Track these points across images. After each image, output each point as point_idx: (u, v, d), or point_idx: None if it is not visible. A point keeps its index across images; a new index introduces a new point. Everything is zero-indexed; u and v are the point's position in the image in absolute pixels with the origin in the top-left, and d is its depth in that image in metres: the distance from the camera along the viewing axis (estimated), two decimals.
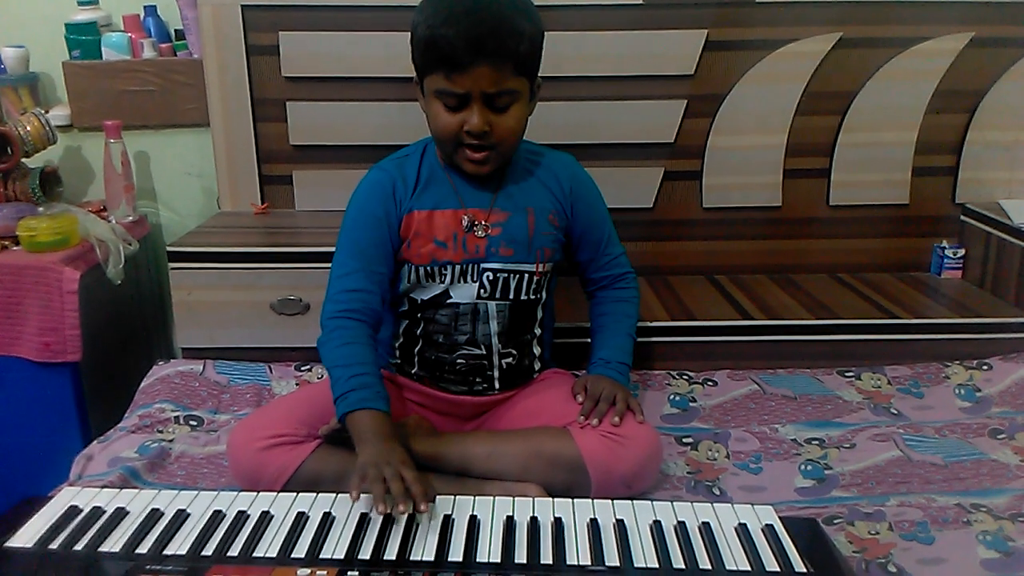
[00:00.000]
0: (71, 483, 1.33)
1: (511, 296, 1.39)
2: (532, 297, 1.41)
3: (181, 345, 1.78)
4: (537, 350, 1.46)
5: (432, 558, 1.00)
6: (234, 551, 1.02)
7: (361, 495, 1.08)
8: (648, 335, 1.70)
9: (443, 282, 1.37)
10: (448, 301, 1.37)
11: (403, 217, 1.36)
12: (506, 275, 1.38)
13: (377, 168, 1.40)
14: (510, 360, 1.42)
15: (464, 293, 1.37)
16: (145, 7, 2.04)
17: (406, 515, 1.06)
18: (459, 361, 1.39)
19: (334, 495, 1.14)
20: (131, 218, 1.98)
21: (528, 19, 1.25)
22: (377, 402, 1.20)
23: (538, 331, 1.46)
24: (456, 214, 1.36)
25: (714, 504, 1.14)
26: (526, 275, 1.39)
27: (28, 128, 1.87)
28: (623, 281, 1.52)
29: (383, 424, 1.19)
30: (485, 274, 1.37)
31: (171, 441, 1.47)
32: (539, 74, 1.32)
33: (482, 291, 1.37)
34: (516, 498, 1.14)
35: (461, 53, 1.20)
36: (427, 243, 1.36)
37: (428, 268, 1.36)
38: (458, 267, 1.36)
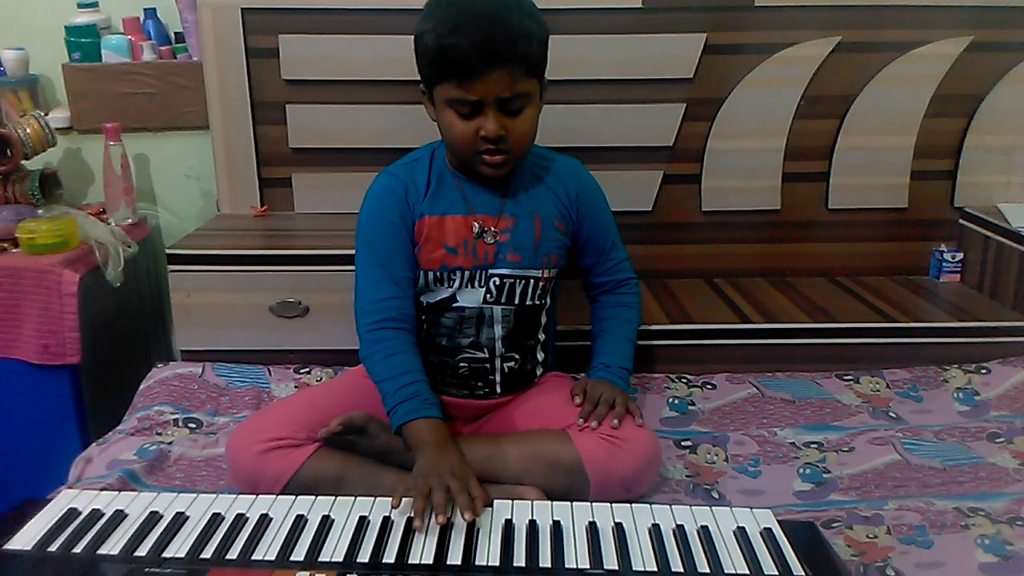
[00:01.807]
0: (70, 485, 1.33)
1: (516, 301, 1.39)
2: (537, 302, 1.41)
3: (180, 347, 1.78)
4: (540, 355, 1.46)
5: (431, 561, 1.01)
6: (233, 554, 1.02)
7: (403, 502, 1.10)
8: (647, 338, 1.70)
9: (451, 287, 1.37)
10: (454, 305, 1.38)
11: (415, 221, 1.36)
12: (512, 280, 1.38)
13: (387, 174, 1.40)
14: (512, 364, 1.42)
15: (471, 298, 1.37)
16: (145, 10, 2.04)
17: (404, 519, 1.07)
18: (461, 365, 1.40)
19: (333, 498, 1.14)
20: (130, 220, 1.98)
21: (535, 21, 1.26)
22: (428, 410, 1.23)
23: (542, 336, 1.46)
24: (466, 220, 1.36)
25: (713, 507, 1.15)
26: (532, 280, 1.39)
27: (28, 130, 1.87)
28: (625, 286, 1.52)
29: (438, 431, 1.22)
30: (492, 279, 1.37)
31: (170, 444, 1.47)
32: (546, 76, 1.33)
33: (488, 296, 1.38)
34: (515, 501, 1.14)
35: (474, 61, 1.20)
36: (437, 248, 1.36)
37: (437, 273, 1.36)
38: (467, 273, 1.36)
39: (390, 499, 1.12)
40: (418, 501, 1.08)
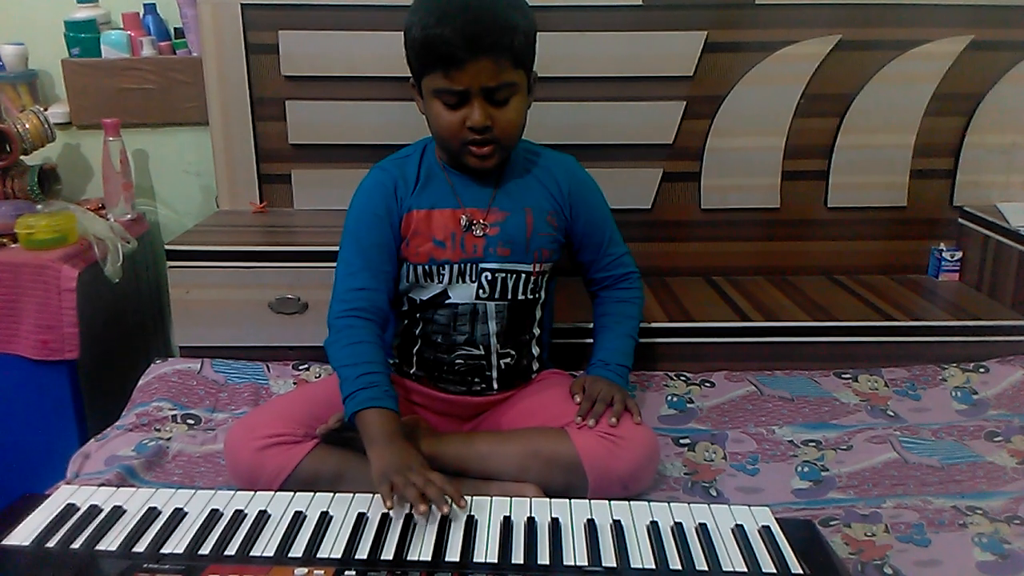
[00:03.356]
0: (68, 481, 1.33)
1: (509, 296, 1.39)
2: (531, 297, 1.41)
3: (179, 344, 1.78)
4: (536, 351, 1.46)
5: (429, 558, 1.01)
6: (231, 550, 1.02)
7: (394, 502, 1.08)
8: (646, 336, 1.69)
9: (441, 282, 1.37)
10: (447, 301, 1.38)
11: (404, 216, 1.36)
12: (504, 275, 1.38)
13: (378, 168, 1.41)
14: (508, 360, 1.42)
15: (463, 293, 1.37)
16: (145, 5, 2.04)
17: (403, 516, 1.07)
18: (458, 361, 1.39)
19: (331, 494, 1.14)
20: (129, 216, 1.98)
21: (521, 13, 1.26)
22: (385, 400, 1.21)
23: (537, 331, 1.46)
24: (455, 213, 1.36)
25: (711, 505, 1.14)
26: (523, 275, 1.39)
27: (27, 126, 1.87)
28: (626, 281, 1.52)
29: (392, 423, 1.19)
30: (483, 274, 1.37)
31: (168, 440, 1.47)
32: (536, 71, 1.33)
33: (480, 291, 1.38)
34: (513, 498, 1.14)
35: (458, 50, 1.20)
36: (425, 242, 1.36)
37: (426, 267, 1.36)
38: (456, 267, 1.36)
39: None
40: (410, 492, 1.07)
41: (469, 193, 1.37)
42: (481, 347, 1.39)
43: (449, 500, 1.07)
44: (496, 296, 1.38)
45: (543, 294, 1.44)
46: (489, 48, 1.21)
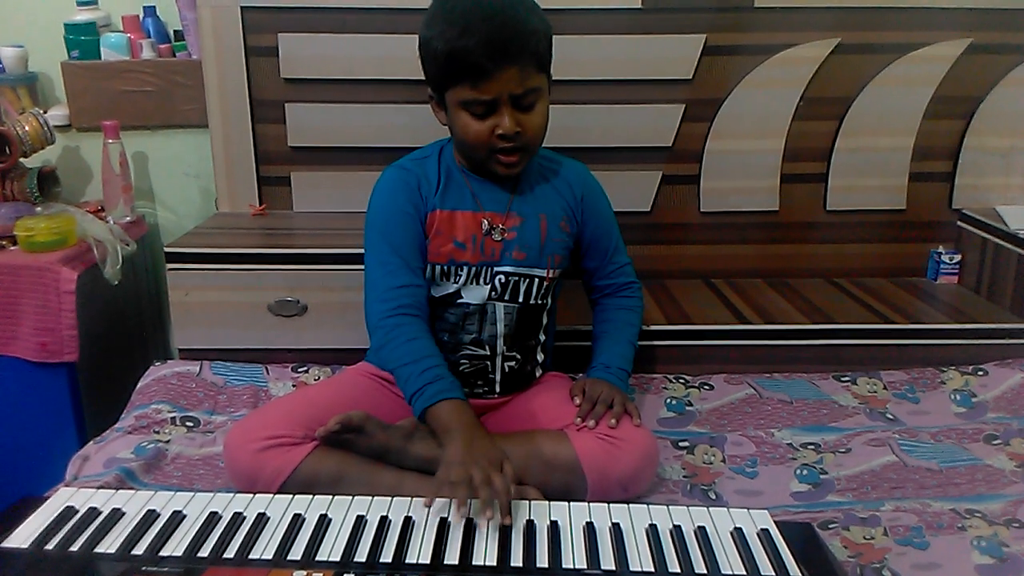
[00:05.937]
0: (67, 484, 1.32)
1: (520, 299, 1.39)
2: (540, 302, 1.42)
3: (178, 346, 1.78)
4: (540, 356, 1.47)
5: (428, 561, 1.01)
6: (230, 553, 1.02)
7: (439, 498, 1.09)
8: (645, 339, 1.69)
9: (457, 282, 1.38)
10: (458, 301, 1.38)
11: (427, 214, 1.37)
12: (517, 279, 1.39)
13: (397, 167, 1.41)
14: (513, 364, 1.42)
15: (475, 294, 1.38)
16: (144, 8, 2.04)
17: (401, 519, 1.07)
18: (463, 362, 1.40)
19: (330, 497, 1.14)
20: (129, 218, 1.98)
21: (539, 17, 1.28)
22: (455, 391, 1.23)
23: (542, 337, 1.46)
24: (476, 216, 1.37)
25: (710, 508, 1.15)
26: (536, 280, 1.40)
27: (26, 128, 1.87)
28: (628, 290, 1.53)
29: (466, 412, 1.21)
30: (497, 277, 1.38)
31: (167, 442, 1.47)
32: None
33: (492, 293, 1.38)
34: (512, 501, 1.14)
35: (486, 61, 1.21)
36: (447, 243, 1.36)
37: (444, 267, 1.37)
38: (473, 268, 1.37)
39: (387, 499, 1.13)
40: (460, 491, 1.07)
41: (488, 197, 1.38)
42: (487, 347, 1.40)
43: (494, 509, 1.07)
44: (507, 298, 1.39)
45: (550, 300, 1.44)
46: (515, 56, 1.22)
